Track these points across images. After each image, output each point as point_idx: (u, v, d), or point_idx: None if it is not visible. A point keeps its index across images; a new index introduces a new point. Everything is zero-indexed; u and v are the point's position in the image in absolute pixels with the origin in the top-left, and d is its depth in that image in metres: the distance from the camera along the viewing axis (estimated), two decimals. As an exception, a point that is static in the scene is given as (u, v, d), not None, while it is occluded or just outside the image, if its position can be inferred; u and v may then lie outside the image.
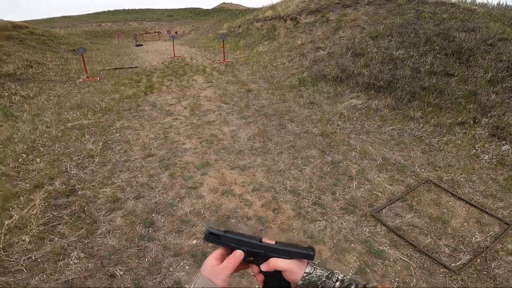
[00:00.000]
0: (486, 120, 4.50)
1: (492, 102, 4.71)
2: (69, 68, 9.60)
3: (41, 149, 4.19)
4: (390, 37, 7.57)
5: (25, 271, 2.35)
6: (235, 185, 3.44)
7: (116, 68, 10.12)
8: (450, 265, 2.41)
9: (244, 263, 0.60)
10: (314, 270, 0.57)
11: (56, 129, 4.83)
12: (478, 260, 2.45)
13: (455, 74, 5.59)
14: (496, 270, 2.35)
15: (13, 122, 5.19)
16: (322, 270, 0.57)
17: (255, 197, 3.25)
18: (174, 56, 12.75)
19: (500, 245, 2.59)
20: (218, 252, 0.61)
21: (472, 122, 4.56)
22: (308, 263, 0.58)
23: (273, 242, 0.59)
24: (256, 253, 0.58)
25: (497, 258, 2.47)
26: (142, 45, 19.16)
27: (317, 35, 10.19)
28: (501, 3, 10.67)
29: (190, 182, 3.50)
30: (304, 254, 0.56)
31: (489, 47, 5.98)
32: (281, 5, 15.46)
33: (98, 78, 8.47)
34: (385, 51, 7.00)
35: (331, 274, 0.56)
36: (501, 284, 2.24)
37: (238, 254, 0.58)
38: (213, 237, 0.60)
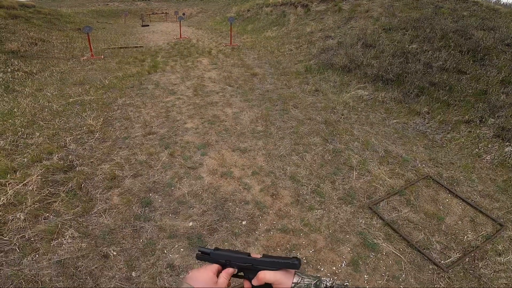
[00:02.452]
0: (493, 120, 4.40)
1: (502, 103, 4.59)
2: (74, 46, 9.43)
3: (41, 123, 4.17)
4: (404, 30, 7.33)
5: (18, 250, 2.30)
6: (235, 168, 3.43)
7: (121, 47, 9.96)
8: (439, 262, 2.40)
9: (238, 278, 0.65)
10: (301, 279, 0.59)
11: (57, 104, 4.80)
12: (467, 259, 2.44)
13: (468, 72, 5.44)
14: (482, 270, 2.35)
15: (14, 96, 5.16)
16: (310, 278, 0.59)
17: (254, 181, 3.23)
18: (180, 37, 12.51)
19: (491, 246, 2.58)
20: (212, 266, 0.64)
21: (478, 121, 4.47)
22: (295, 273, 0.60)
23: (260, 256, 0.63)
24: (245, 267, 0.62)
25: (485, 258, 2.46)
26: (148, 25, 18.80)
27: (327, 23, 9.92)
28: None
29: (190, 162, 3.49)
30: (289, 264, 0.59)
31: (506, 47, 5.79)
32: (292, -10, 14.99)
33: (102, 57, 8.36)
34: (397, 44, 6.81)
35: (319, 282, 0.58)
36: (485, 285, 2.24)
37: (231, 271, 0.63)
38: (203, 255, 0.66)
